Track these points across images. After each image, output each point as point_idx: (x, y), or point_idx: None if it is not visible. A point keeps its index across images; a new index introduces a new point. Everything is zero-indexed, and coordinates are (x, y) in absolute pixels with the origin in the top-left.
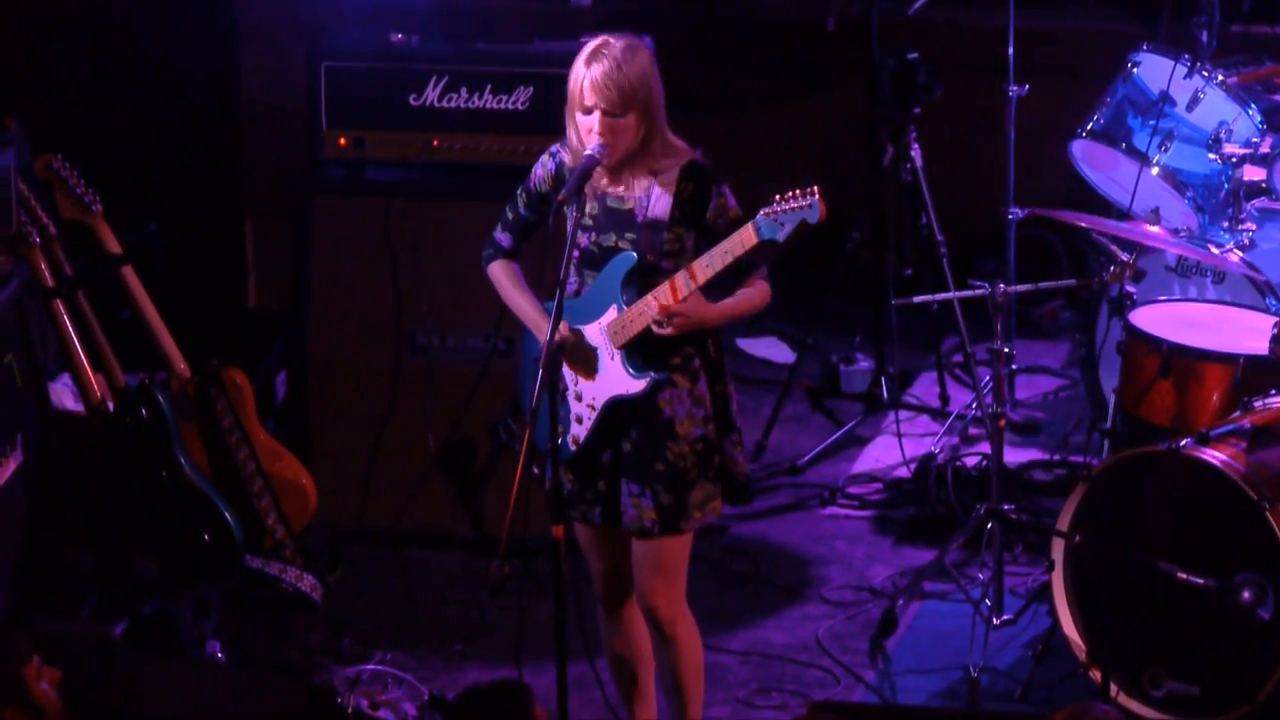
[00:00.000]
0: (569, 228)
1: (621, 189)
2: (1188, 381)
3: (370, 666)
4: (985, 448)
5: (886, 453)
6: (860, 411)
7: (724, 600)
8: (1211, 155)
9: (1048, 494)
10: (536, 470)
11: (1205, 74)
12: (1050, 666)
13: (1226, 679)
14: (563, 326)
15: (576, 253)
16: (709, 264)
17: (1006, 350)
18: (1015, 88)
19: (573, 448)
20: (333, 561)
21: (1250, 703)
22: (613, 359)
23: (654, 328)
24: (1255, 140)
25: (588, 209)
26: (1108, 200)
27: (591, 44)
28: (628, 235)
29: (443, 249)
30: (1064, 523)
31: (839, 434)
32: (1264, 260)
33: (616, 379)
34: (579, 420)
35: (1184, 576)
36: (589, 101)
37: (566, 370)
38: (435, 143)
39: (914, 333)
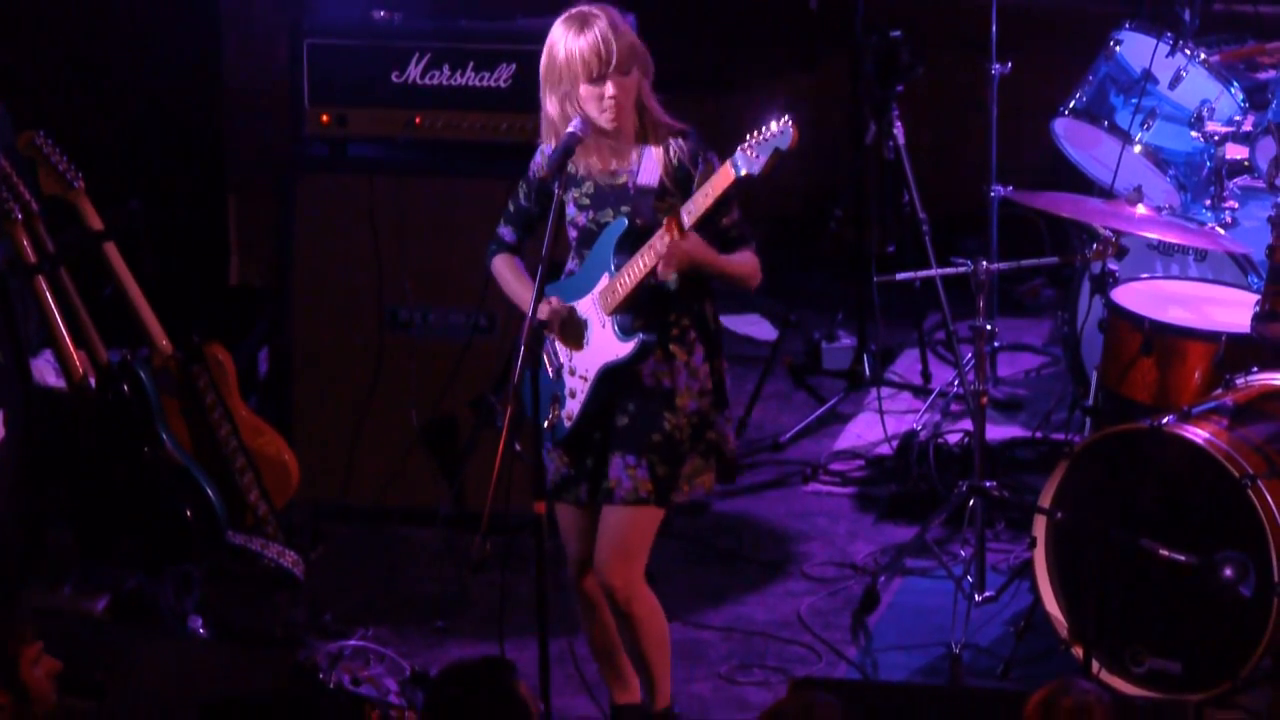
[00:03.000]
0: (554, 205)
1: (614, 164)
2: (1169, 359)
3: (352, 642)
4: (967, 425)
5: (868, 429)
6: (842, 388)
7: (706, 577)
8: (1194, 133)
9: (1030, 471)
10: (519, 447)
11: (1188, 52)
12: (1032, 643)
13: (1208, 656)
14: (554, 301)
15: (575, 233)
16: (691, 208)
17: (988, 327)
18: (998, 65)
19: (567, 424)
20: (315, 538)
21: (1232, 679)
22: (604, 327)
23: (654, 276)
24: (1237, 118)
25: (583, 189)
26: (1090, 178)
27: (569, 17)
28: (623, 208)
29: (425, 226)
30: (1046, 500)
31: (821, 411)
32: (1246, 238)
33: (606, 345)
34: (572, 395)
35: (1166, 553)
36: (596, 69)
37: (560, 347)
38: (418, 120)
39: (896, 310)
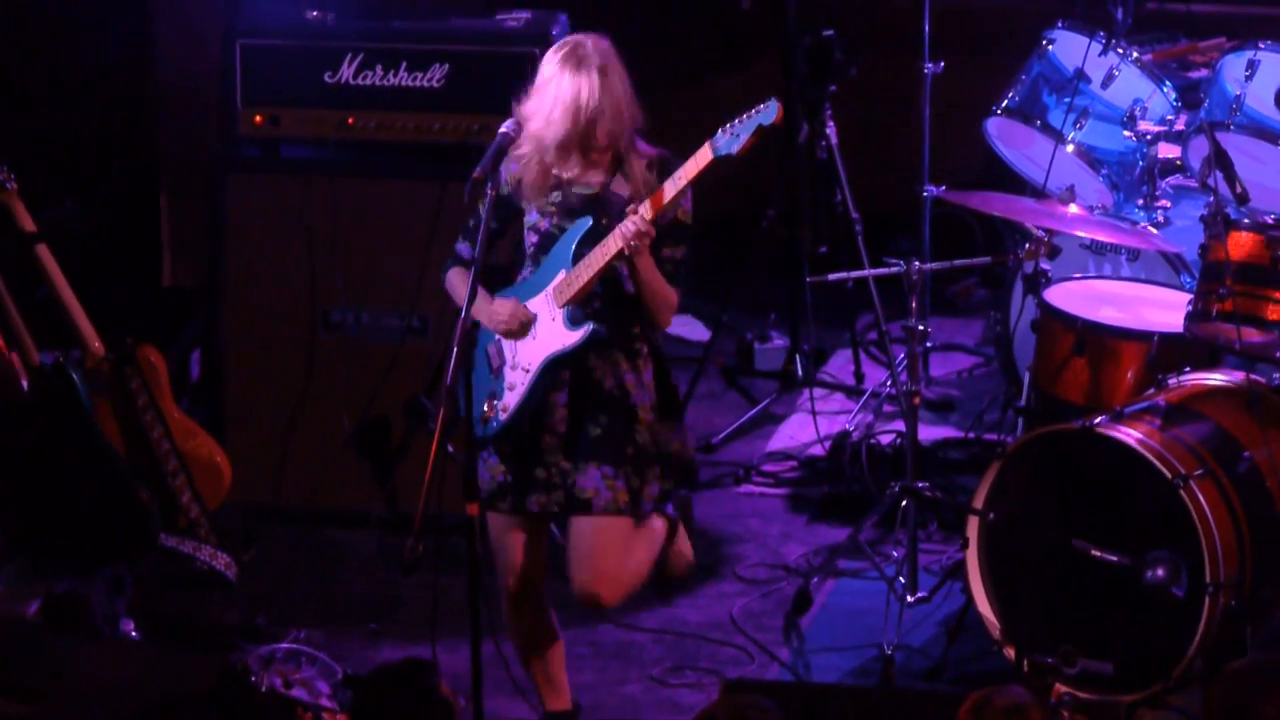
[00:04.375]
0: (484, 206)
1: (588, 177)
2: (1102, 359)
3: (285, 645)
4: (900, 425)
5: (801, 430)
6: (775, 389)
7: None
8: (1126, 133)
9: (962, 472)
10: (451, 449)
11: (1120, 51)
12: (964, 644)
13: (1141, 656)
14: (512, 303)
15: (535, 239)
16: (666, 188)
17: (921, 328)
18: (930, 65)
19: (502, 416)
20: (247, 540)
21: (1165, 680)
22: (553, 320)
23: (619, 258)
24: (1170, 118)
25: (549, 198)
26: (1023, 178)
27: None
28: (590, 212)
29: (358, 227)
30: (978, 500)
31: (753, 412)
32: (1179, 237)
33: (553, 336)
34: (511, 388)
35: (1098, 554)
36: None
37: (505, 345)
38: (351, 120)
39: (829, 310)
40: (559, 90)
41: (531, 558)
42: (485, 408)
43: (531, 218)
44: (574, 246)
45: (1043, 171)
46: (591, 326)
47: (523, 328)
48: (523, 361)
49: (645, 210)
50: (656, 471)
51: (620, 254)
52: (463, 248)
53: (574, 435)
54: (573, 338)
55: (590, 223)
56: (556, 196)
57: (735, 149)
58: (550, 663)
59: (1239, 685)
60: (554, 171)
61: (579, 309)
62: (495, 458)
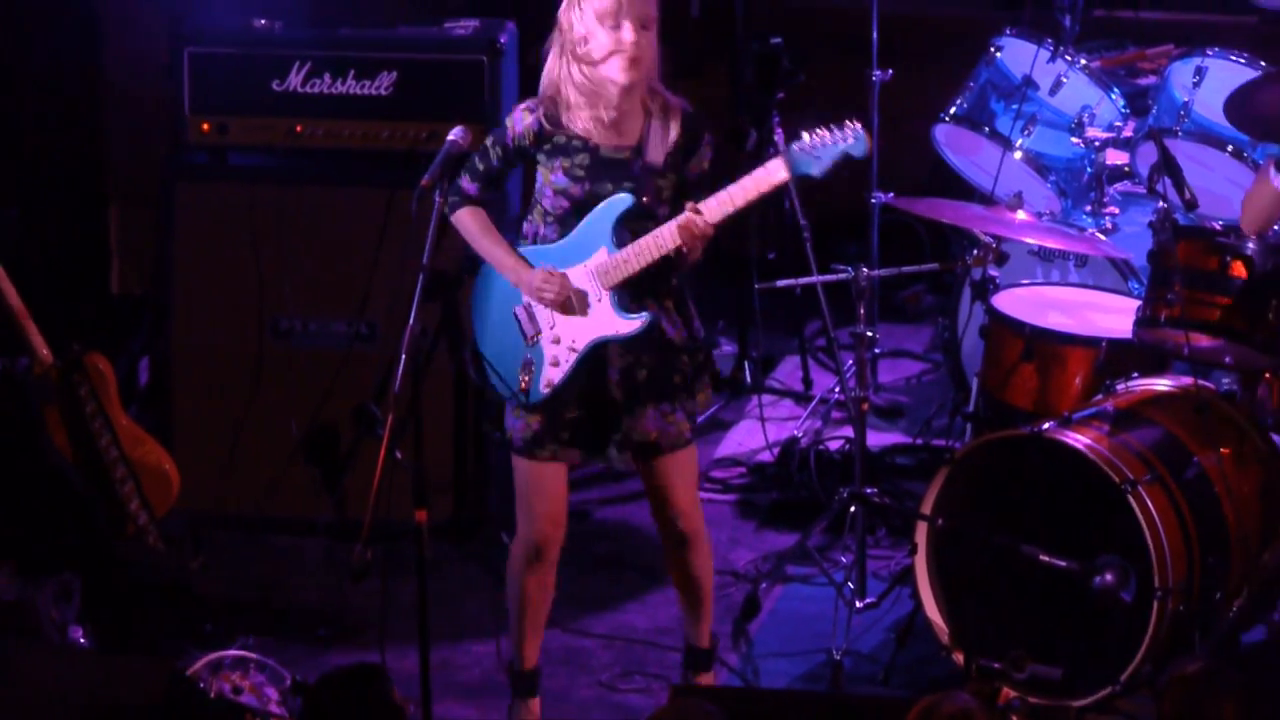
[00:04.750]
0: (434, 212)
1: (617, 138)
2: (1050, 365)
3: (233, 652)
4: (848, 431)
5: (749, 437)
6: (723, 396)
7: (586, 584)
8: (1074, 139)
9: (910, 478)
10: (399, 455)
11: (1068, 58)
12: (913, 650)
13: (1090, 661)
14: (552, 270)
15: (566, 203)
16: (728, 201)
17: (869, 334)
18: (879, 73)
19: (545, 391)
20: (195, 547)
21: (1113, 685)
22: (600, 301)
23: (674, 256)
24: (1118, 124)
25: (576, 159)
26: (971, 184)
27: None
28: (625, 184)
29: (306, 234)
30: (927, 506)
31: (702, 418)
32: (1127, 243)
33: (605, 320)
34: (555, 363)
35: (1046, 559)
36: (625, 14)
37: (541, 313)
38: (298, 128)
39: (777, 317)
40: (621, 33)
41: (558, 507)
42: (521, 376)
43: (559, 179)
44: (614, 223)
45: (991, 178)
46: (648, 316)
47: (567, 303)
48: (566, 337)
49: (710, 215)
50: (704, 381)
51: (674, 248)
52: (467, 184)
53: (628, 386)
54: (630, 326)
55: (631, 202)
56: (584, 159)
57: (815, 172)
58: (543, 615)
59: (1191, 691)
60: (579, 131)
61: (629, 293)
62: (529, 412)
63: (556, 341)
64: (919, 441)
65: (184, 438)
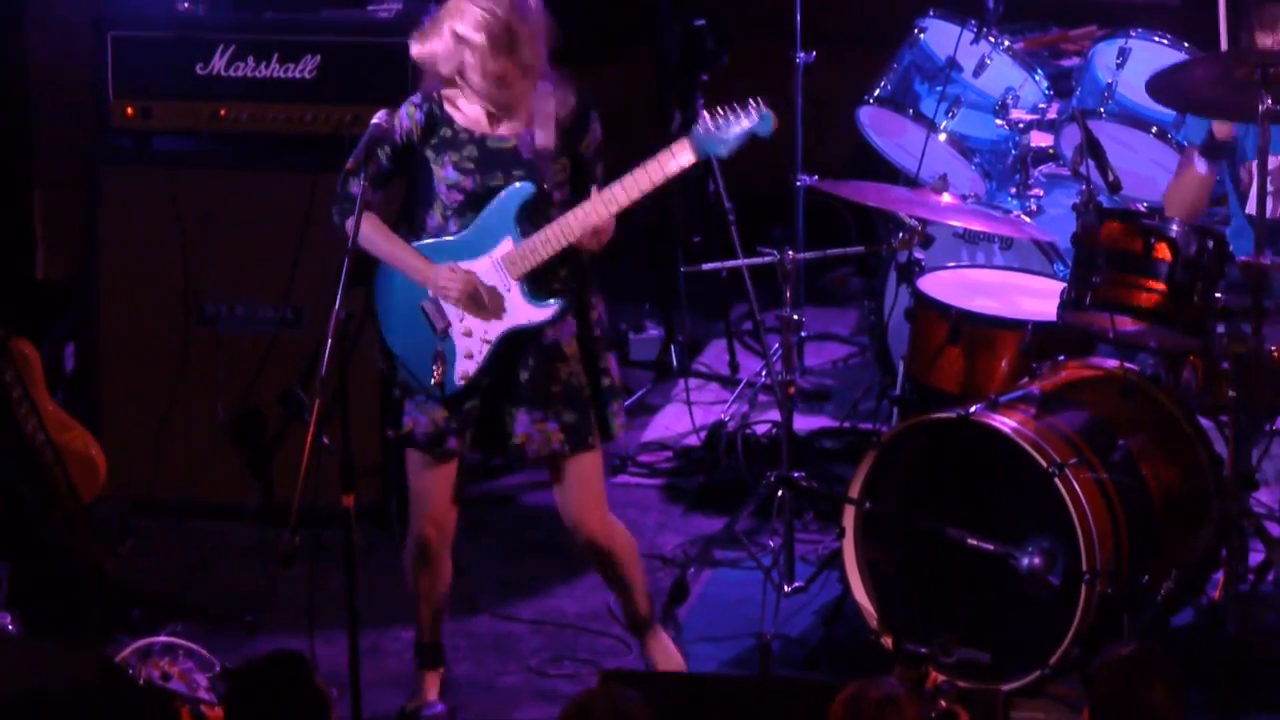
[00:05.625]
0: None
1: (502, 129)
2: (976, 348)
3: (161, 638)
4: (775, 415)
5: (676, 421)
6: (650, 380)
7: (516, 570)
8: (998, 121)
9: (838, 461)
10: (326, 440)
11: (992, 40)
12: (841, 633)
13: (1018, 644)
14: (456, 267)
15: (460, 196)
16: (631, 188)
17: (795, 317)
18: (803, 54)
19: (460, 383)
20: (123, 532)
21: (1042, 668)
22: (509, 290)
23: (578, 246)
24: (1042, 106)
25: (464, 152)
26: (896, 167)
27: None
28: (515, 172)
29: (231, 219)
30: (854, 490)
31: (628, 402)
32: (1052, 225)
33: (517, 310)
34: (468, 356)
35: (974, 543)
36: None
37: (449, 308)
38: (222, 112)
39: (703, 300)
40: (491, 21)
41: (445, 503)
42: (434, 368)
43: (449, 174)
44: (515, 212)
45: (915, 160)
46: (562, 303)
47: (475, 297)
48: (478, 329)
49: (609, 205)
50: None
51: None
52: (358, 188)
53: (503, 382)
54: (542, 314)
55: (532, 190)
56: (472, 151)
57: (721, 153)
58: (443, 606)
59: (1121, 674)
60: (464, 124)
61: (539, 282)
62: (436, 404)
63: (468, 334)
64: (846, 425)
65: (110, 423)
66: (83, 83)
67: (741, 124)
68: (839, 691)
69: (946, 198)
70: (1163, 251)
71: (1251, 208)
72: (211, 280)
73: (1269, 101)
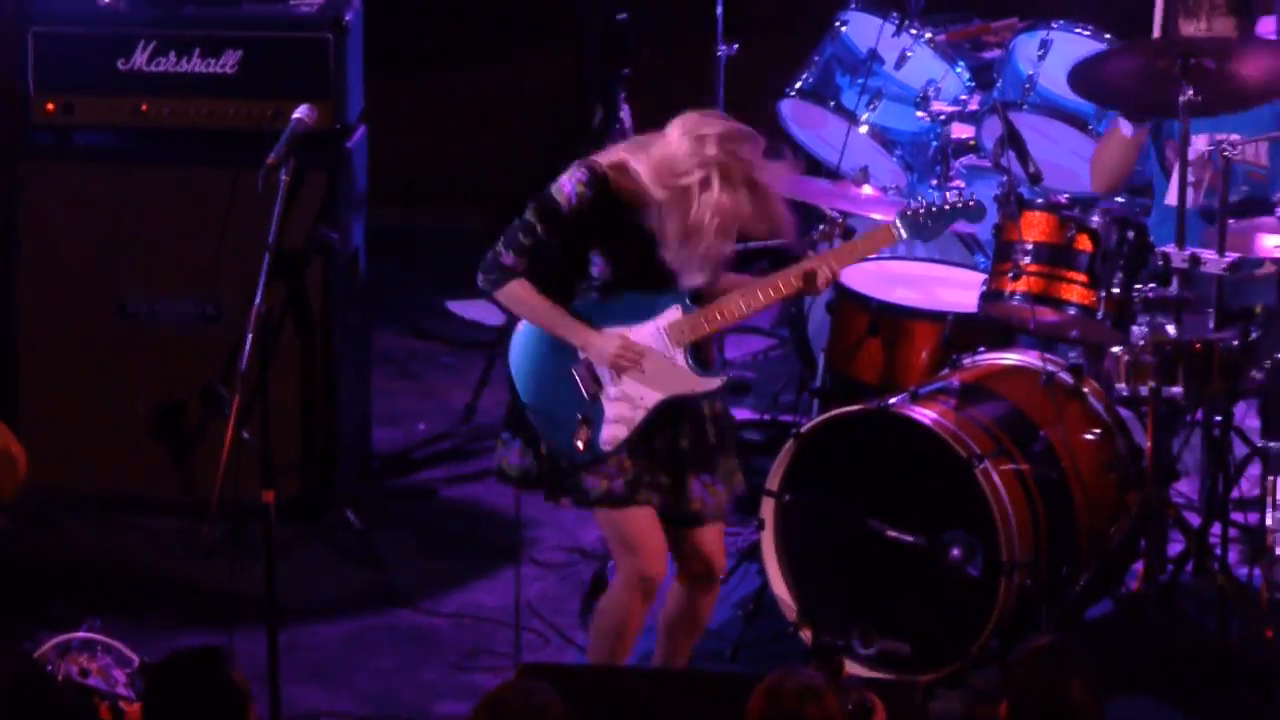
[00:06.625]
0: (279, 191)
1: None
2: (896, 340)
3: (81, 634)
4: None
5: None
6: None
7: (435, 563)
8: (920, 113)
9: (758, 453)
10: (247, 435)
11: (913, 32)
12: (761, 626)
13: (938, 636)
14: (627, 337)
15: (622, 273)
16: (837, 261)
17: None
18: (724, 47)
19: (607, 449)
20: (43, 527)
21: (961, 659)
22: (671, 358)
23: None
24: (963, 98)
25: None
26: (817, 159)
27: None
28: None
29: (153, 214)
30: (774, 482)
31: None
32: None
33: (678, 377)
34: (618, 420)
35: (893, 534)
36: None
37: (603, 372)
38: (144, 108)
39: None
40: (716, 203)
41: (664, 544)
42: (580, 432)
43: (616, 251)
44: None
45: (837, 153)
46: (729, 374)
47: (634, 364)
48: (633, 394)
49: (834, 270)
50: (728, 458)
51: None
52: (511, 260)
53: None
54: (708, 384)
55: None
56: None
57: (927, 238)
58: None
59: (1038, 665)
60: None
61: (703, 351)
62: (603, 463)
63: (621, 399)
64: (766, 417)
65: (30, 418)
66: (3, 78)
67: (950, 215)
68: (758, 684)
69: (868, 190)
70: (1083, 243)
71: (1172, 199)
72: (132, 276)
73: (1190, 93)
